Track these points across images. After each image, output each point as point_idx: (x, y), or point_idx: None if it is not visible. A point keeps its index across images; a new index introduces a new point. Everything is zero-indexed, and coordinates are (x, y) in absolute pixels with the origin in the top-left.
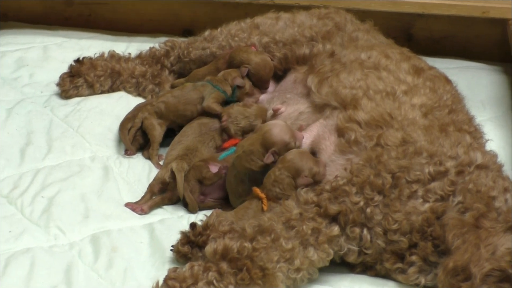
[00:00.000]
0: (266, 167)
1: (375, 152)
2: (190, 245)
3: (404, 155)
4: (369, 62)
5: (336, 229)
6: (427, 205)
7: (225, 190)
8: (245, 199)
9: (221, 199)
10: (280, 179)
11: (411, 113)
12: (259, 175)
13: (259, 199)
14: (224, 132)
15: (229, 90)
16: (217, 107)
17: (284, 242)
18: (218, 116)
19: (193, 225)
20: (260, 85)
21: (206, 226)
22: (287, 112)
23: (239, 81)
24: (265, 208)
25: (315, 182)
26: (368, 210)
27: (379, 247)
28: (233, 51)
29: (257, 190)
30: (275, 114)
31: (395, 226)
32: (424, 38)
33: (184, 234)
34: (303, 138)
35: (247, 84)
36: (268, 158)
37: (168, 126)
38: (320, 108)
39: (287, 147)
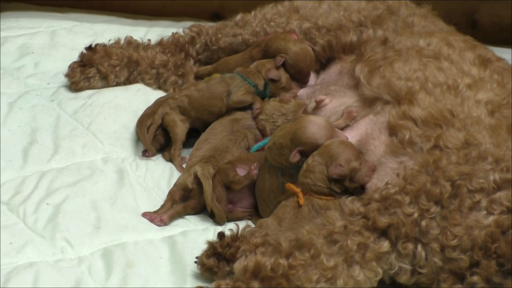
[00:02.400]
0: (297, 164)
1: (433, 155)
2: (217, 258)
3: (466, 160)
4: (428, 50)
5: (385, 245)
6: (491, 218)
7: (255, 197)
8: (279, 200)
9: (251, 209)
10: (312, 166)
11: (476, 110)
12: (294, 171)
13: (295, 194)
14: (259, 131)
15: (261, 84)
16: (247, 97)
17: (325, 259)
18: (250, 107)
19: (221, 235)
20: (299, 78)
21: (236, 237)
22: (331, 106)
23: (273, 74)
24: (300, 202)
25: (353, 181)
26: (423, 223)
27: (436, 265)
28: (270, 39)
29: (290, 185)
30: (318, 106)
31: (454, 242)
32: (490, 24)
33: (210, 244)
34: (346, 139)
35: (284, 77)
36: (294, 157)
37: (192, 124)
38: (370, 102)
39: None
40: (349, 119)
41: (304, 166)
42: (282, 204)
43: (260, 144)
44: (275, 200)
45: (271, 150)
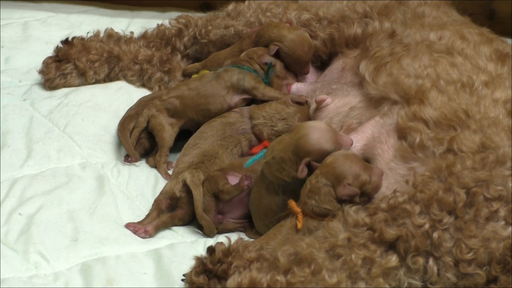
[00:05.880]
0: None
1: (446, 160)
2: (207, 275)
3: (482, 165)
4: (440, 44)
5: (393, 259)
6: (510, 229)
7: (248, 207)
8: (280, 216)
9: (243, 219)
10: (316, 188)
11: (493, 110)
12: (297, 186)
13: (294, 214)
14: (255, 136)
15: (258, 69)
16: (275, 93)
17: (327, 275)
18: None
19: (211, 250)
20: (298, 69)
21: (228, 251)
22: (334, 106)
23: (267, 58)
24: (299, 225)
25: (364, 194)
26: (435, 235)
27: (449, 281)
28: (261, 28)
29: (292, 203)
30: (319, 107)
31: (469, 256)
32: (509, 15)
33: (199, 260)
34: (352, 144)
35: (278, 65)
36: (302, 172)
37: (183, 126)
38: (376, 103)
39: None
40: (348, 132)
41: (308, 186)
42: (279, 224)
43: (254, 158)
44: (275, 218)
45: (269, 165)
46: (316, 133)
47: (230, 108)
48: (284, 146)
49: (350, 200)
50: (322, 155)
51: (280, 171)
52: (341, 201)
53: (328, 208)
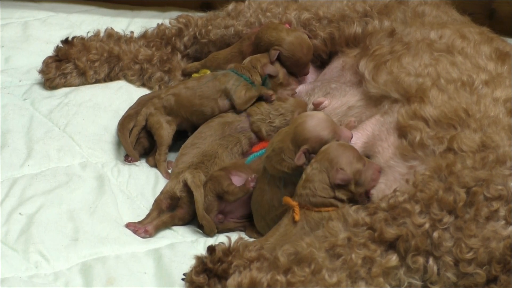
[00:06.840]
0: (302, 169)
1: (446, 159)
2: (207, 274)
3: (482, 164)
4: (440, 43)
5: (394, 259)
6: (510, 229)
7: (250, 206)
8: (276, 214)
9: (244, 219)
10: (311, 175)
11: (493, 109)
12: (297, 178)
13: (291, 209)
14: (255, 135)
15: (258, 80)
16: (252, 93)
17: (327, 275)
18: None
19: (211, 249)
20: (298, 71)
21: (228, 251)
22: (332, 107)
23: (270, 69)
24: (296, 217)
25: (359, 184)
26: (435, 234)
27: (449, 281)
28: (260, 30)
29: (287, 198)
30: (317, 109)
31: (469, 255)
32: (509, 15)
33: (199, 260)
34: (351, 137)
35: (281, 72)
36: (300, 159)
37: (179, 126)
38: (375, 101)
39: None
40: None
41: (303, 176)
42: (278, 223)
43: (255, 154)
44: (276, 214)
45: (270, 159)
46: (313, 120)
47: (221, 112)
48: (283, 137)
49: (345, 189)
50: (320, 143)
51: (280, 162)
52: (335, 187)
53: (323, 195)
